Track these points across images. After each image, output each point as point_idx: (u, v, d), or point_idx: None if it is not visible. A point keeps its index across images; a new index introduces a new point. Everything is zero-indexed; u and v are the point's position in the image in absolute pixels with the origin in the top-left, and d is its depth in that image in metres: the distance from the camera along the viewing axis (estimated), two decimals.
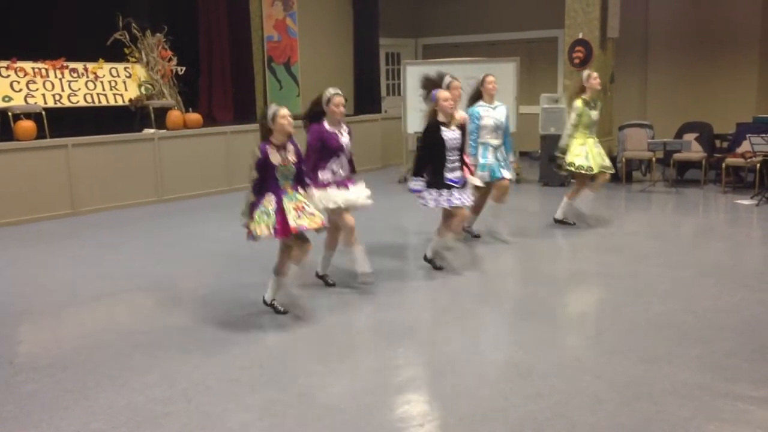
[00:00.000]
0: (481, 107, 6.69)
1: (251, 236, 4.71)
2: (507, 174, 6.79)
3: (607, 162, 7.43)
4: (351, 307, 5.24)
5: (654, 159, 10.04)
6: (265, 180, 4.64)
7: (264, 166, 4.61)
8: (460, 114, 6.18)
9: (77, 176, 8.71)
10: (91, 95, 9.88)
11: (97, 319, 5.25)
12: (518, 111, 10.42)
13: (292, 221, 4.63)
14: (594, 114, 7.24)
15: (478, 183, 6.30)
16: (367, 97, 13.10)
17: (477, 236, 7.02)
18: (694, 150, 9.84)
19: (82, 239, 7.60)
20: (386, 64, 14.70)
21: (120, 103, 10.11)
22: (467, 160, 6.12)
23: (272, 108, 4.64)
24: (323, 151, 5.27)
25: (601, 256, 6.45)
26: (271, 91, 12.46)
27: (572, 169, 7.21)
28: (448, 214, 5.85)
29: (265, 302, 5.06)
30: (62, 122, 9.29)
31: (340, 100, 5.29)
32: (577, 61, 10.29)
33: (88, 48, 9.94)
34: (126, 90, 10.22)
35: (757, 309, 4.97)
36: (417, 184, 5.72)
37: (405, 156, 11.20)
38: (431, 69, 11.02)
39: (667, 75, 11.89)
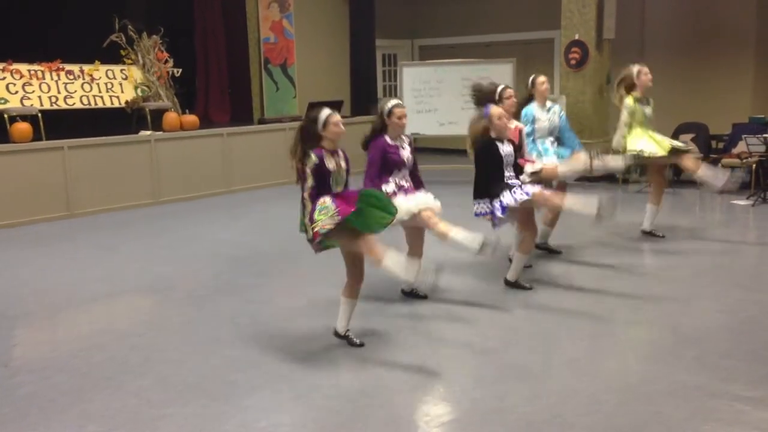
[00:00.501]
0: (534, 108, 6.31)
1: (318, 236, 4.29)
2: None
3: (678, 143, 6.83)
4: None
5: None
6: (320, 187, 4.35)
7: (320, 172, 4.33)
8: (515, 124, 5.91)
9: (73, 178, 8.70)
10: (88, 97, 9.87)
11: (93, 322, 5.24)
12: None
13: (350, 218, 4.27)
14: (648, 110, 6.73)
15: (537, 167, 5.81)
16: (363, 99, 13.10)
17: (558, 252, 6.46)
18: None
19: (78, 241, 7.58)
20: (383, 66, 14.71)
21: (116, 105, 10.09)
22: (528, 159, 5.86)
23: (324, 113, 4.35)
24: (384, 165, 5.02)
25: (592, 255, 6.44)
26: (267, 93, 12.46)
27: (644, 154, 6.56)
28: (525, 220, 5.44)
29: (337, 334, 4.58)
30: (58, 124, 9.27)
31: (402, 111, 5.02)
32: (573, 62, 10.30)
33: (84, 50, 9.91)
34: (122, 92, 10.20)
35: (754, 309, 4.97)
36: (481, 207, 5.25)
37: None
38: (428, 70, 11.19)
39: (663, 76, 11.83)
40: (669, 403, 3.63)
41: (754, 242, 7.07)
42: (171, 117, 9.93)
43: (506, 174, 5.28)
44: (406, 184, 5.11)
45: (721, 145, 10.17)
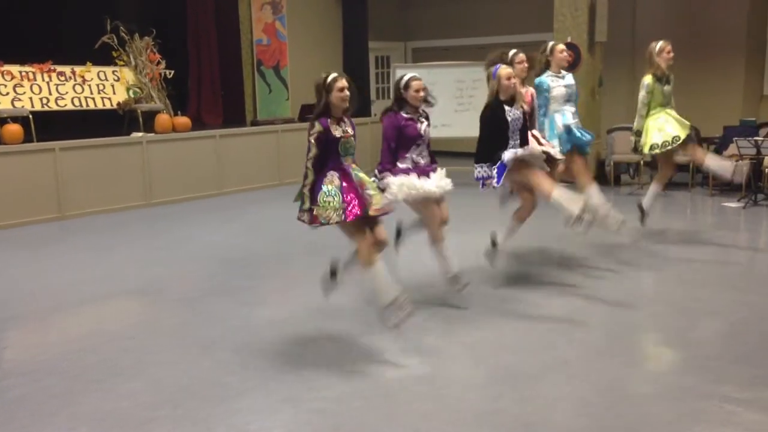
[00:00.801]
0: (548, 77, 6.20)
1: (317, 222, 4.27)
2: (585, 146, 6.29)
3: (687, 127, 6.60)
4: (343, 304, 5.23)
5: (642, 162, 10.09)
6: (326, 157, 4.28)
7: (325, 140, 4.25)
8: (527, 89, 5.80)
9: (65, 180, 8.67)
10: (79, 99, 9.84)
11: (84, 324, 5.22)
12: None
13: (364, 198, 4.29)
14: (667, 89, 6.57)
15: (553, 151, 5.72)
16: (356, 101, 13.08)
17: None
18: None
19: (69, 243, 7.56)
20: (376, 68, 14.72)
21: (108, 106, 10.07)
22: (536, 135, 5.74)
23: (330, 77, 4.29)
24: (400, 140, 4.91)
25: (584, 258, 6.46)
26: (260, 95, 12.46)
27: (656, 151, 6.55)
28: (522, 186, 5.44)
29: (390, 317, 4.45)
30: (50, 126, 9.24)
31: (419, 84, 4.92)
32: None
33: (75, 51, 9.90)
34: (114, 93, 10.18)
35: (744, 311, 4.99)
36: (481, 171, 5.13)
37: None
38: (421, 72, 11.13)
39: None
40: (658, 405, 3.64)
41: (746, 245, 7.10)
42: (163, 119, 9.92)
43: (510, 142, 5.12)
44: (422, 161, 5.00)
45: (712, 148, 10.21)
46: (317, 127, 4.25)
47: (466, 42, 13.80)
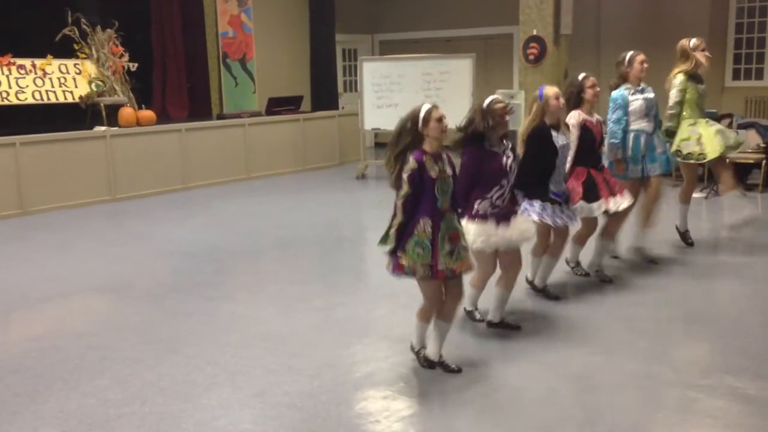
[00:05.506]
0: (626, 89, 5.74)
1: (401, 271, 3.77)
2: (657, 169, 5.78)
3: (732, 140, 6.15)
4: (301, 302, 5.22)
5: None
6: (421, 198, 3.71)
7: (420, 180, 3.68)
8: (596, 117, 5.31)
9: (26, 175, 8.49)
10: (40, 92, 9.65)
11: (47, 322, 5.14)
12: None
13: (442, 263, 3.74)
14: (701, 88, 6.17)
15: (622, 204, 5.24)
16: (324, 94, 13.06)
17: (609, 280, 5.52)
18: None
19: (31, 240, 7.41)
20: (343, 61, 14.68)
21: (70, 100, 9.88)
22: (611, 156, 5.52)
23: (424, 107, 3.71)
24: (482, 177, 4.18)
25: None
26: (226, 88, 12.34)
27: (678, 159, 6.14)
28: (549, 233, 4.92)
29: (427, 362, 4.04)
30: (10, 120, 9.08)
31: (503, 108, 4.15)
32: (531, 57, 10.40)
33: (36, 44, 9.70)
34: (76, 87, 9.99)
35: (704, 299, 5.10)
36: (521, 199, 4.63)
37: (362, 152, 11.19)
38: (388, 65, 11.20)
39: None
40: (622, 392, 3.70)
41: (706, 234, 7.22)
42: (127, 112, 9.76)
43: (556, 172, 4.70)
44: (501, 203, 4.25)
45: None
46: (411, 163, 3.67)
47: (433, 35, 13.84)
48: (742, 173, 9.20)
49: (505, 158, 4.20)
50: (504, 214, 4.25)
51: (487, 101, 4.18)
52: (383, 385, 3.87)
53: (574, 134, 5.10)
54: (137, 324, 4.92)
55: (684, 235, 6.52)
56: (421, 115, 3.70)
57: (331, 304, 5.20)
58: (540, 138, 4.63)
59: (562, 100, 4.69)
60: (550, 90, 4.67)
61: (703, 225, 6.74)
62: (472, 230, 4.17)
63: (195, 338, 4.59)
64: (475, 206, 4.21)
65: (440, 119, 3.70)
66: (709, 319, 4.71)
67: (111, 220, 8.30)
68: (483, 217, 4.20)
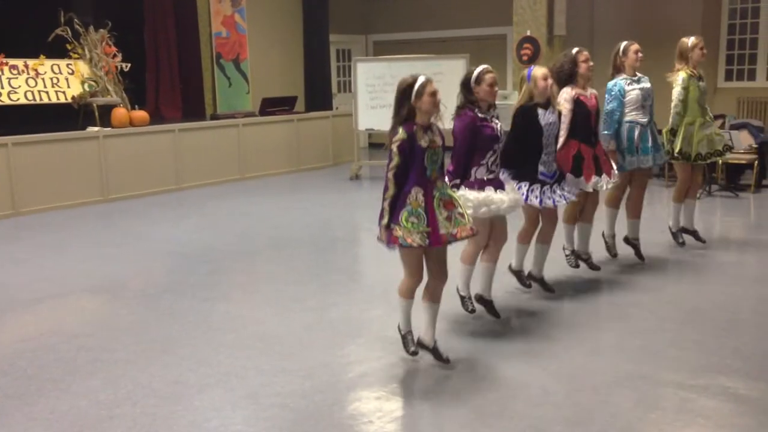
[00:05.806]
0: (623, 80, 5.74)
1: (396, 243, 3.82)
2: (648, 161, 5.85)
3: (719, 146, 6.23)
4: (293, 302, 5.21)
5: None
6: (410, 168, 3.80)
7: (410, 150, 3.77)
8: (591, 92, 5.32)
9: (19, 176, 8.46)
10: (32, 92, 9.61)
11: (39, 323, 5.11)
12: None
13: (443, 227, 3.82)
14: (702, 85, 6.19)
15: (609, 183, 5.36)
16: (317, 94, 13.05)
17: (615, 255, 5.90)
18: None
19: (23, 240, 7.38)
20: (337, 61, 14.68)
21: (63, 100, 9.83)
22: (605, 147, 5.49)
23: (419, 81, 3.80)
24: (476, 143, 4.31)
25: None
26: (220, 89, 12.31)
27: (677, 156, 6.19)
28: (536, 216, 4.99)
29: (414, 347, 4.12)
30: (2, 120, 9.03)
31: (493, 78, 4.29)
32: (525, 58, 10.42)
33: (28, 44, 9.66)
34: (69, 87, 9.95)
35: (697, 299, 5.11)
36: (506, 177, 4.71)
37: (356, 153, 11.19)
38: (382, 66, 11.19)
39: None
40: (615, 392, 3.71)
41: (699, 233, 7.23)
42: (120, 113, 9.72)
43: (544, 151, 4.76)
44: (496, 169, 4.45)
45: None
46: (401, 133, 3.77)
47: (427, 35, 13.84)
48: (734, 174, 9.25)
49: (494, 124, 4.37)
50: (498, 181, 4.45)
51: (476, 72, 4.33)
52: (376, 386, 3.87)
53: (566, 108, 5.15)
54: (131, 325, 4.91)
55: (675, 235, 6.56)
56: (415, 88, 3.80)
57: (325, 304, 5.19)
58: (525, 117, 4.72)
59: (550, 81, 4.74)
60: (539, 71, 4.72)
61: (697, 225, 6.76)
62: (474, 198, 4.29)
63: (188, 339, 4.58)
64: (473, 173, 4.35)
65: (434, 94, 3.79)
66: (703, 320, 4.73)
67: (104, 221, 8.27)
68: (481, 183, 4.35)
